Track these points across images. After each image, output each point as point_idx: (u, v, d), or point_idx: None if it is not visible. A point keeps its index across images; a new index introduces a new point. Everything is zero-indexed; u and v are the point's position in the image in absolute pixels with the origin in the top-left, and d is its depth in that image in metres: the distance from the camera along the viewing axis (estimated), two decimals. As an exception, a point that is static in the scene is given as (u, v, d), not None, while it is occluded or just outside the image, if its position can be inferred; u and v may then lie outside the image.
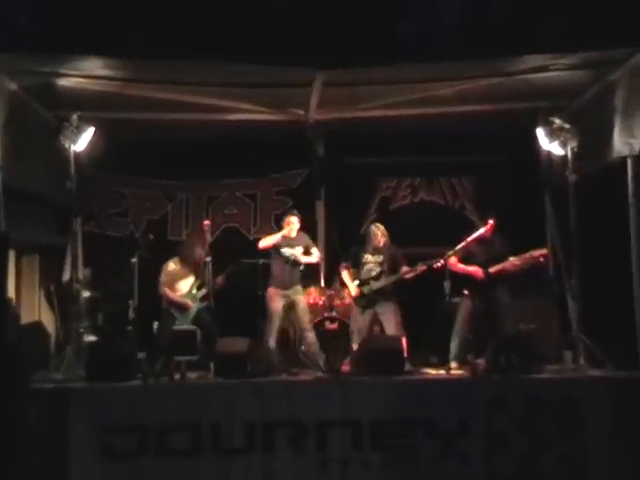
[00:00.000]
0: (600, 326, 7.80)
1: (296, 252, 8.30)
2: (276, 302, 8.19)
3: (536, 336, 8.17)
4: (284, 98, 8.28)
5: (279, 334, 8.29)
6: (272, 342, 8.07)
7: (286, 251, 8.30)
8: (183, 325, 8.20)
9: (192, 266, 8.48)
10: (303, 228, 8.55)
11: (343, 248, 8.93)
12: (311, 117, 8.78)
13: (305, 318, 8.23)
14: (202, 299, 8.44)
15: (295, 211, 8.61)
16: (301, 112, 8.68)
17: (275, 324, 8.13)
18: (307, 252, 8.44)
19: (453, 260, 8.08)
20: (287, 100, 8.36)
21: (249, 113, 8.69)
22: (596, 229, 8.06)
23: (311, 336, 8.19)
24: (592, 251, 8.05)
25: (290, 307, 8.29)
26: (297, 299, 8.25)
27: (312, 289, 9.10)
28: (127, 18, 7.21)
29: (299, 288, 8.36)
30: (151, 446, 6.43)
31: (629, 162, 7.20)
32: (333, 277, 9.14)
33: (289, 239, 8.34)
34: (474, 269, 8.08)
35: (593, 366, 7.54)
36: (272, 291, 8.24)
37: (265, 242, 8.36)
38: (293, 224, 8.35)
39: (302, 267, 8.43)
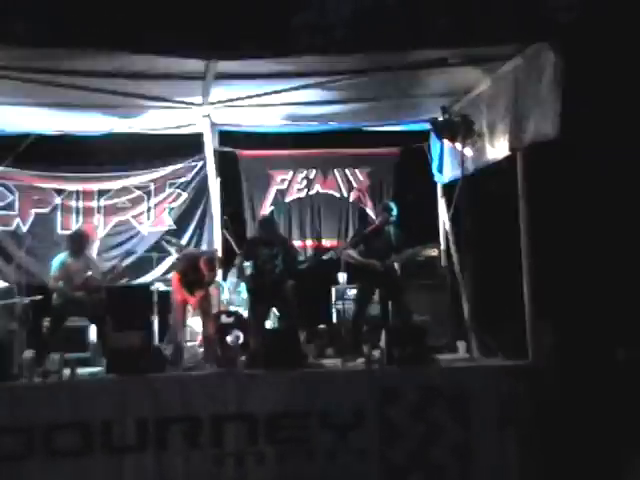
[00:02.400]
0: (492, 317, 8.05)
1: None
2: (180, 292, 8.13)
3: (430, 327, 8.32)
4: (176, 89, 8.13)
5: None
6: (180, 335, 8.01)
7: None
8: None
9: (83, 260, 8.28)
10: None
11: (238, 241, 8.91)
12: (204, 109, 8.67)
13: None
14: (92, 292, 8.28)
15: None
16: (194, 104, 8.56)
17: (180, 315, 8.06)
18: None
19: (349, 252, 8.16)
20: (179, 91, 8.21)
21: (141, 105, 8.50)
22: (488, 222, 8.42)
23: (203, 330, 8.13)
24: (485, 244, 8.35)
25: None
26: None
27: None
28: (10, 4, 6.94)
29: None
30: (38, 447, 6.24)
31: (519, 156, 7.36)
32: (229, 270, 9.10)
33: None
34: (370, 261, 8.16)
35: (485, 356, 7.74)
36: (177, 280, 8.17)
37: None
38: None
39: None
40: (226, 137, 9.71)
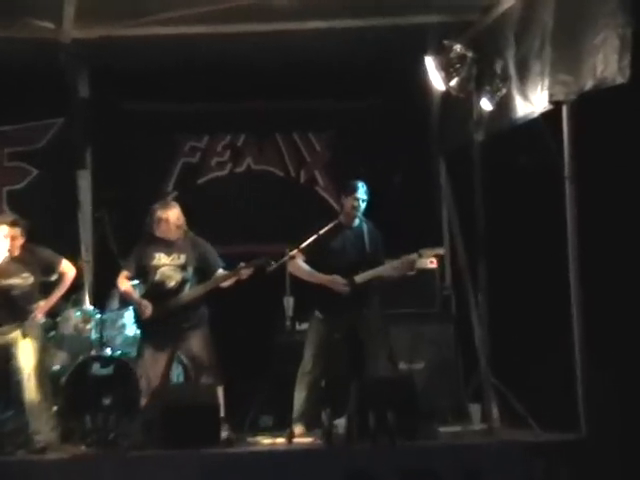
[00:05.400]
0: (522, 365, 8.08)
1: (15, 282, 8.17)
2: None
3: (426, 381, 8.50)
4: (25, 3, 8.12)
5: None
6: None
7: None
8: None
9: None
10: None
11: (122, 245, 8.88)
12: (67, 34, 8.61)
13: (26, 365, 8.11)
14: None
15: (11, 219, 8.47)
16: (51, 26, 8.53)
17: None
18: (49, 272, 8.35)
19: (299, 263, 8.19)
20: (29, 7, 8.19)
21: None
22: (517, 216, 8.36)
23: (33, 395, 8.01)
24: (510, 250, 8.39)
25: (5, 353, 8.18)
26: (15, 341, 8.14)
27: (72, 312, 9.06)
28: None
29: (19, 328, 8.19)
30: None
31: (565, 112, 7.45)
32: (107, 292, 9.14)
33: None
34: (330, 278, 8.18)
35: (511, 426, 7.86)
36: None
37: None
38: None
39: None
40: (103, 80, 9.70)
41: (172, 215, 8.38)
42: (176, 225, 8.38)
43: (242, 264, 8.20)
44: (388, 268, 8.24)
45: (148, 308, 8.31)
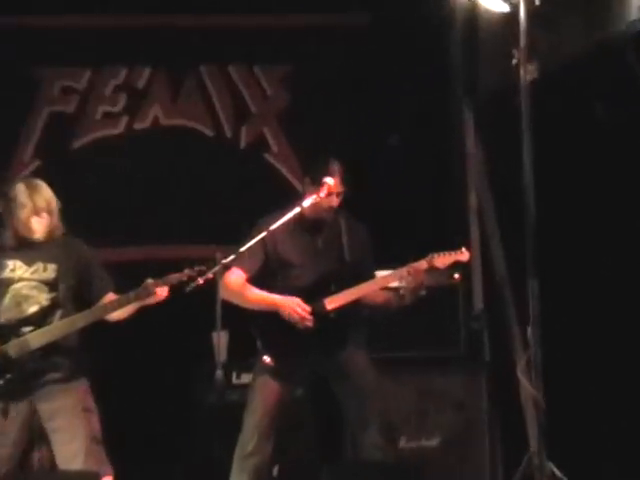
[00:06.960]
0: (594, 444, 8.26)
1: None
2: None
3: (442, 466, 8.56)
4: None
5: None
6: None
7: None
8: None
9: None
10: None
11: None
12: None
13: None
14: None
15: None
16: None
17: None
18: None
19: (235, 277, 7.79)
20: None
21: None
22: (584, 196, 8.59)
23: None
24: (574, 252, 8.65)
25: None
26: None
27: None
28: None
29: None
30: None
31: None
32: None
33: None
34: (285, 301, 7.90)
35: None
36: None
37: None
38: None
39: None
40: None
41: (37, 201, 7.89)
42: (37, 212, 7.86)
43: (150, 281, 7.66)
44: (380, 283, 7.87)
45: None
